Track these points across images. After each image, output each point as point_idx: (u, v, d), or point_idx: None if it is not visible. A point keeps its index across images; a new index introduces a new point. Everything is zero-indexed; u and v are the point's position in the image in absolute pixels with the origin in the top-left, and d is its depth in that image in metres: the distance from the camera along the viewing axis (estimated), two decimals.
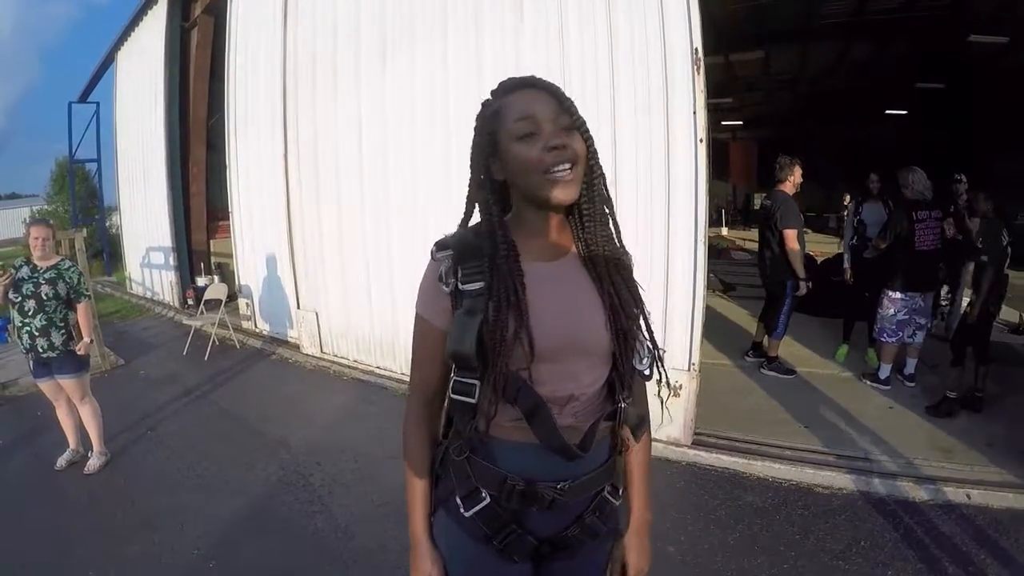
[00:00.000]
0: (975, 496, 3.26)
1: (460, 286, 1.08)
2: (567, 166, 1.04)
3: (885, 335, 4.66)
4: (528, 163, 1.05)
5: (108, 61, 10.78)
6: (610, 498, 1.21)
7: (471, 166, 1.15)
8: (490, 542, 1.14)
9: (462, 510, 1.14)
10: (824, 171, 6.16)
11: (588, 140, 1.10)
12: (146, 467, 3.97)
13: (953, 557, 2.82)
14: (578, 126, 1.08)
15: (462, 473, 1.15)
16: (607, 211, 1.17)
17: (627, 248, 1.23)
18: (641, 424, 1.23)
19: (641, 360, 1.18)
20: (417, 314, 1.17)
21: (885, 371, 4.74)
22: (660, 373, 1.21)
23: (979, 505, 3.22)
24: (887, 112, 12.51)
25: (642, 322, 1.18)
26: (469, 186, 1.16)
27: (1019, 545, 2.89)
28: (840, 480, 3.49)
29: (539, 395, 1.07)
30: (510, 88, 1.11)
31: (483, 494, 1.13)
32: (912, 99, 11.50)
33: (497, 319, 1.04)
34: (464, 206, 1.18)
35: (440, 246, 1.13)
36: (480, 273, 1.07)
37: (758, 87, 11.66)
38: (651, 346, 1.20)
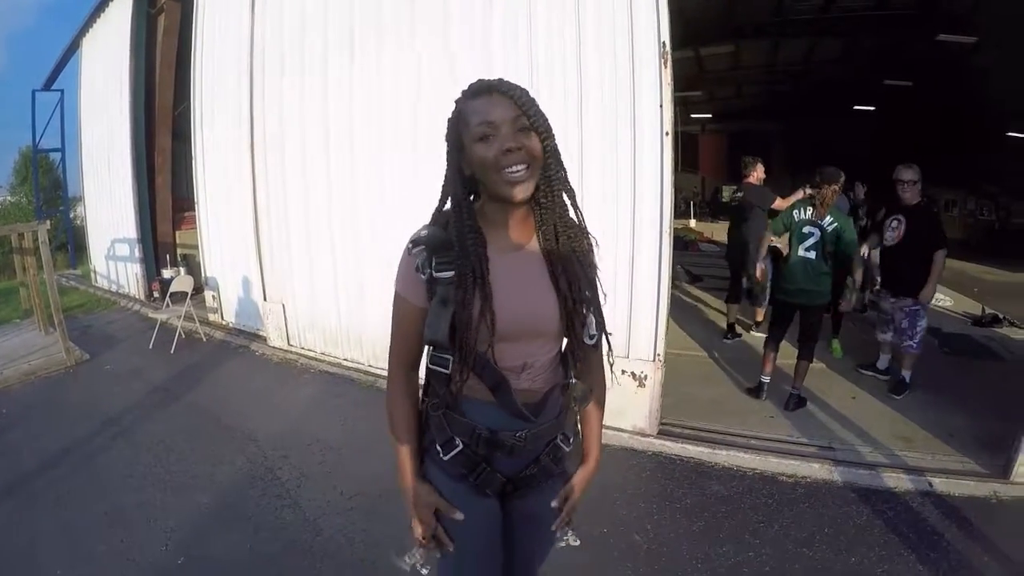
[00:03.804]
0: (937, 484, 3.34)
1: (435, 274, 1.24)
2: (522, 166, 1.17)
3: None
4: (486, 163, 1.18)
5: (73, 48, 10.45)
6: (561, 445, 1.45)
7: (447, 160, 1.29)
8: (466, 479, 1.38)
9: (441, 455, 1.37)
10: (793, 164, 6.34)
11: (545, 140, 1.22)
12: (112, 464, 3.89)
13: (915, 544, 2.89)
14: (535, 127, 1.21)
15: (439, 426, 1.37)
16: (567, 202, 1.31)
17: (590, 232, 1.38)
18: (586, 396, 1.46)
19: (591, 336, 1.34)
20: (397, 294, 1.33)
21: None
22: (608, 345, 1.42)
23: (941, 493, 3.30)
24: (855, 108, 12.73)
25: (592, 304, 1.34)
26: (445, 178, 1.30)
27: (979, 532, 2.97)
28: (804, 468, 3.55)
29: (499, 371, 1.28)
30: (474, 93, 1.23)
31: (457, 441, 1.35)
32: (880, 96, 11.71)
33: (464, 300, 1.21)
34: (440, 195, 1.32)
35: (415, 242, 1.27)
36: (451, 263, 1.22)
37: (728, 81, 11.78)
38: (599, 323, 1.36)
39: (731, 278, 6.29)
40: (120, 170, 8.69)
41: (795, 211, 4.29)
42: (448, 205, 1.30)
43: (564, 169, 1.30)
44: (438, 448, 1.37)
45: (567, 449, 1.47)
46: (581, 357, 1.39)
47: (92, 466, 3.84)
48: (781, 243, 4.63)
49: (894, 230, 4.50)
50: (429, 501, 1.39)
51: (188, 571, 2.83)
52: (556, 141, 1.27)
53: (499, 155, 1.16)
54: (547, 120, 1.24)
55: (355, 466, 3.70)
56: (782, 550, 2.88)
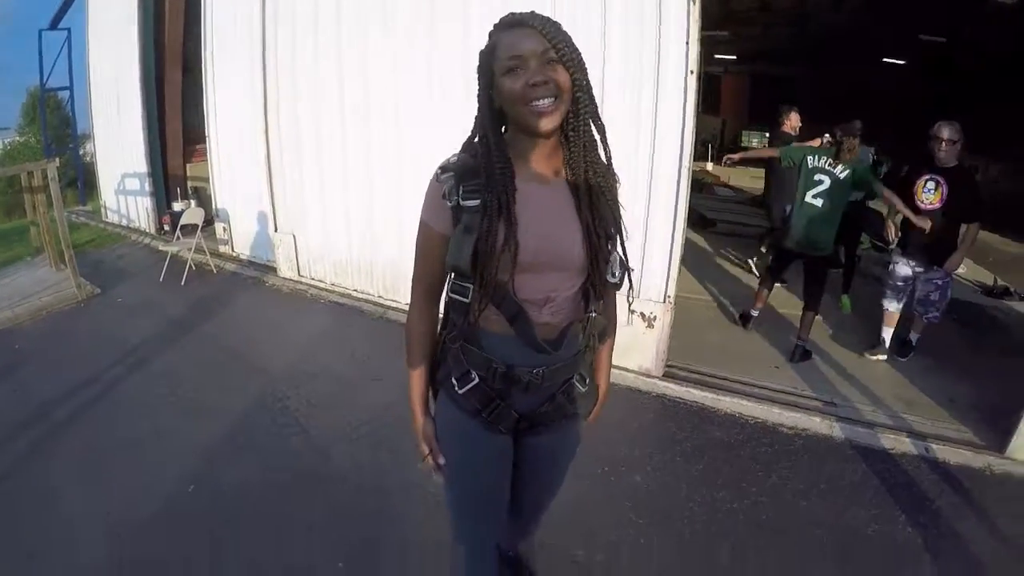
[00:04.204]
0: (934, 450, 3.35)
1: (461, 202, 1.25)
2: (548, 99, 1.18)
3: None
4: (513, 95, 1.19)
5: None
6: (577, 384, 1.46)
7: (478, 92, 1.30)
8: (479, 415, 1.40)
9: (456, 388, 1.39)
10: (817, 111, 6.19)
11: (573, 73, 1.21)
12: (125, 392, 3.96)
13: (907, 507, 2.92)
14: (563, 60, 1.20)
15: (456, 359, 1.38)
16: (595, 137, 1.30)
17: (616, 171, 1.37)
18: (606, 331, 1.50)
19: (613, 274, 1.36)
20: (422, 221, 1.34)
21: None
22: (630, 283, 1.41)
23: (937, 459, 3.31)
24: (884, 60, 12.28)
25: (617, 241, 1.36)
26: (478, 110, 1.31)
27: (971, 502, 2.99)
28: (805, 421, 3.59)
29: (519, 303, 1.29)
30: (505, 25, 1.23)
31: (473, 375, 1.37)
32: (913, 49, 11.26)
33: (489, 228, 1.21)
34: (472, 126, 1.34)
35: (444, 168, 1.29)
36: (478, 191, 1.23)
37: (754, 21, 11.34)
38: (623, 261, 1.38)
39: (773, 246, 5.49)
40: (129, 105, 8.54)
41: (809, 156, 4.22)
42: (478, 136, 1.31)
43: (595, 105, 1.29)
44: (454, 381, 1.39)
45: (582, 389, 1.49)
46: (600, 295, 1.40)
47: (104, 397, 3.91)
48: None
49: (931, 192, 3.99)
50: (428, 436, 1.47)
51: (199, 497, 2.91)
52: (587, 74, 1.25)
53: (525, 88, 1.17)
54: (578, 54, 1.23)
55: (364, 396, 3.75)
56: (779, 500, 2.94)
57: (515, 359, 1.34)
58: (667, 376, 4.02)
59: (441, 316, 1.47)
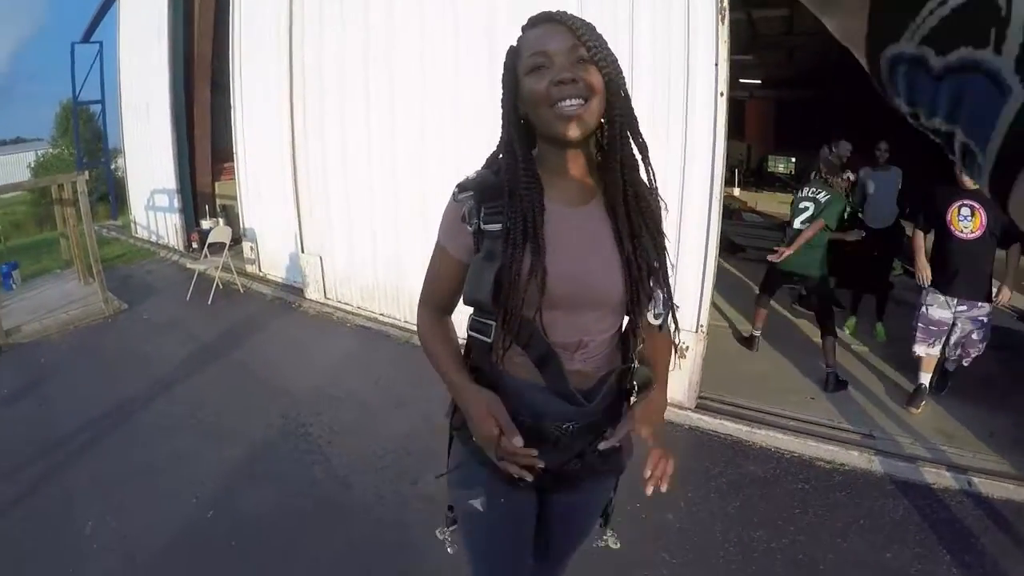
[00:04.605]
0: (976, 484, 3.21)
1: (483, 226, 1.11)
2: (576, 100, 1.03)
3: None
4: (536, 96, 1.05)
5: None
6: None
7: (501, 99, 1.15)
8: (499, 470, 1.18)
9: (475, 438, 1.19)
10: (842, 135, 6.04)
11: (607, 74, 1.06)
12: (146, 413, 3.96)
13: (950, 544, 2.79)
14: (595, 59, 1.05)
15: None
16: (638, 157, 1.15)
17: (660, 196, 1.22)
18: (648, 383, 1.28)
19: (656, 314, 1.20)
20: (439, 244, 1.20)
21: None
22: (674, 325, 1.25)
23: (979, 493, 3.17)
24: None
25: (661, 275, 1.18)
26: (502, 120, 1.15)
27: (1017, 537, 2.86)
28: (842, 455, 3.45)
29: (549, 344, 1.13)
30: (531, 24, 1.11)
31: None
32: None
33: (513, 255, 1.06)
34: (498, 142, 1.18)
35: (462, 187, 1.15)
36: (501, 213, 1.09)
37: (780, 46, 11.25)
38: (667, 299, 1.21)
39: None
40: (159, 121, 8.70)
41: (804, 187, 4.48)
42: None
43: (634, 115, 1.13)
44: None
45: (617, 443, 1.28)
46: (643, 338, 1.23)
47: (126, 417, 3.91)
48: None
49: (968, 219, 3.55)
50: (495, 409, 1.13)
51: (217, 525, 2.87)
52: (624, 80, 1.10)
53: (550, 87, 1.03)
54: (612, 53, 1.08)
55: (388, 424, 3.70)
56: (816, 539, 2.81)
57: (543, 410, 1.17)
58: (700, 408, 3.90)
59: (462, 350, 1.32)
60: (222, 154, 8.62)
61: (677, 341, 1.30)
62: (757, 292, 4.82)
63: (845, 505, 3.07)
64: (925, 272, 3.78)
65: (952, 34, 0.25)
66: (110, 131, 14.04)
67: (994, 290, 3.72)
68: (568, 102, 1.02)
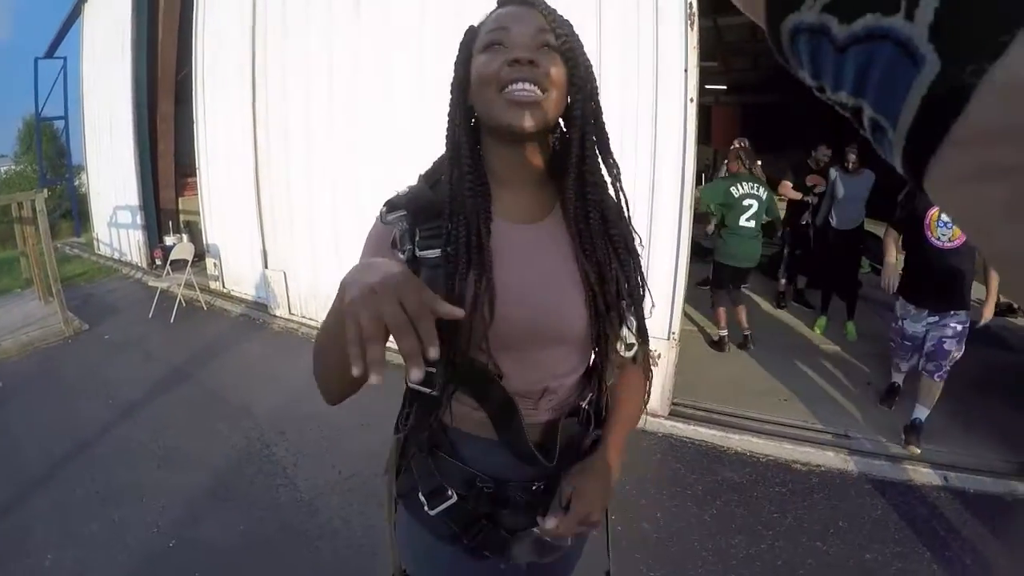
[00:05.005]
0: (952, 479, 3.23)
1: (418, 252, 0.91)
2: (532, 86, 0.85)
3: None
4: (485, 77, 0.87)
5: (75, 14, 10.19)
6: None
7: (451, 87, 0.96)
8: (458, 540, 1.02)
9: (427, 508, 1.00)
10: (806, 140, 6.14)
11: (572, 65, 0.89)
12: (107, 437, 3.79)
13: (930, 541, 2.78)
14: (563, 50, 0.89)
15: (425, 470, 1.01)
16: (606, 177, 0.97)
17: (633, 225, 1.04)
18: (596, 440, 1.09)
19: (627, 345, 1.03)
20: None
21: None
22: (644, 355, 1.08)
23: (956, 488, 3.18)
24: None
25: (634, 300, 1.00)
26: (448, 113, 0.97)
27: (995, 531, 2.87)
28: (818, 457, 3.43)
29: (508, 394, 0.93)
30: (501, 3, 0.95)
31: (449, 492, 1.00)
32: None
33: (456, 287, 0.87)
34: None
35: (391, 206, 0.96)
36: (439, 237, 0.90)
37: (745, 52, 11.44)
38: (641, 328, 1.03)
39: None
40: (122, 136, 8.51)
41: (731, 188, 4.59)
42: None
43: (606, 131, 0.95)
44: (422, 499, 1.01)
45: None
46: (608, 374, 1.05)
47: (86, 442, 3.73)
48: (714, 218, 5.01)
49: (947, 227, 3.20)
50: (407, 277, 0.72)
51: (179, 554, 2.74)
52: (595, 88, 0.93)
53: (503, 66, 0.85)
54: (582, 49, 0.92)
55: (353, 443, 3.58)
56: (795, 543, 2.77)
57: (507, 472, 0.99)
58: (673, 415, 3.85)
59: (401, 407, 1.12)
60: (186, 169, 8.46)
61: (650, 377, 1.14)
62: (711, 295, 5.04)
63: (823, 507, 3.04)
64: (890, 275, 3.56)
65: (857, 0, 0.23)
66: (74, 147, 13.74)
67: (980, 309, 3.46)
68: (521, 85, 0.85)
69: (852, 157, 4.92)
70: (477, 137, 0.96)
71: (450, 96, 0.96)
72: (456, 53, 0.96)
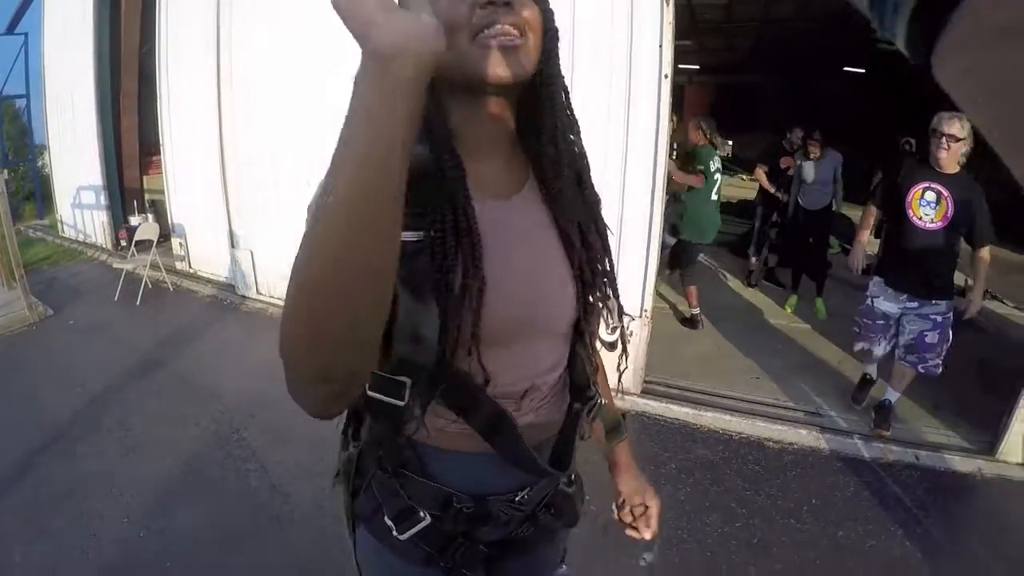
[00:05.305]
0: (923, 457, 3.28)
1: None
2: (511, 28, 0.72)
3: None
4: (452, 22, 0.71)
5: None
6: (566, 489, 1.03)
7: None
8: (433, 562, 0.92)
9: (395, 532, 0.89)
10: (778, 122, 6.20)
11: (548, 20, 0.79)
12: (73, 427, 3.67)
13: (901, 519, 2.83)
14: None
15: (389, 491, 0.89)
16: (571, 131, 0.87)
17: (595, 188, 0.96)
18: (618, 427, 1.12)
19: (612, 329, 0.96)
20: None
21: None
22: (622, 345, 0.99)
23: (927, 466, 3.24)
24: (844, 69, 12.40)
25: (612, 280, 0.93)
26: None
27: (965, 506, 2.94)
28: (791, 434, 3.47)
29: (496, 404, 0.82)
30: None
31: (421, 514, 0.89)
32: (872, 59, 11.43)
33: (444, 269, 0.75)
34: None
35: None
36: (421, 215, 0.75)
37: (719, 32, 11.41)
38: (619, 308, 0.96)
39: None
40: (84, 114, 8.22)
41: (709, 160, 4.58)
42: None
43: (563, 80, 0.85)
44: (388, 523, 0.90)
45: (570, 491, 1.04)
46: (596, 367, 0.98)
47: (52, 433, 3.60)
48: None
49: (931, 206, 3.03)
50: None
51: (149, 544, 2.67)
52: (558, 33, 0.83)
53: (473, 8, 0.71)
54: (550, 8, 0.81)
55: (325, 426, 3.49)
56: (769, 521, 2.80)
57: (488, 485, 0.89)
58: (645, 392, 3.86)
59: (347, 420, 0.98)
60: (151, 147, 8.22)
61: (627, 355, 1.01)
62: (679, 273, 4.99)
63: (796, 485, 3.08)
64: (859, 255, 3.45)
65: None
66: (36, 126, 13.26)
67: (963, 294, 3.34)
68: (501, 27, 0.71)
69: (814, 151, 5.01)
70: (438, 100, 0.80)
71: None
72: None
